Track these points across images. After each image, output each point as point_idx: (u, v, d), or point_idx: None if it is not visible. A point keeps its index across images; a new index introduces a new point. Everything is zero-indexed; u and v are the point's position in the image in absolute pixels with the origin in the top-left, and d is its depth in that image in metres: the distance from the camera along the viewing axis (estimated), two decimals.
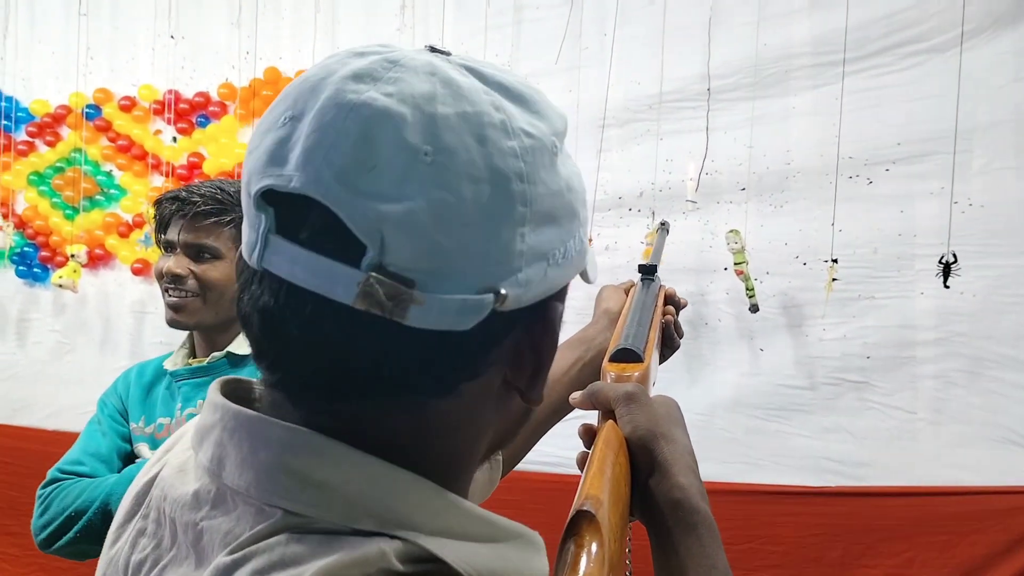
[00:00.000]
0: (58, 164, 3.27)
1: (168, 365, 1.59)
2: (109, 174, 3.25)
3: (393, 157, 0.44)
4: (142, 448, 1.54)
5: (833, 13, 2.49)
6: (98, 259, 3.21)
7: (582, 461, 0.68)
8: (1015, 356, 2.38)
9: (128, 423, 1.58)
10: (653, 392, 0.78)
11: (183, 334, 1.64)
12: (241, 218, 1.62)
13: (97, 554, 1.52)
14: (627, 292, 1.08)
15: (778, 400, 2.56)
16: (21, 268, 3.28)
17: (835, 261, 2.43)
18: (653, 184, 2.64)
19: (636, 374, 0.78)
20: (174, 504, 0.52)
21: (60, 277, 3.07)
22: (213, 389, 0.54)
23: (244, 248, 0.49)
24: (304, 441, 0.48)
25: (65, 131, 3.28)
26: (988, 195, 2.38)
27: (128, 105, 3.19)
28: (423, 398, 0.49)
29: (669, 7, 2.62)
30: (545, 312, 0.52)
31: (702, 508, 0.64)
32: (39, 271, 3.28)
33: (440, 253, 0.45)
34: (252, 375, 0.57)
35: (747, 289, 2.47)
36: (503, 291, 0.46)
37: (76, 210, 3.23)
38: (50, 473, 1.51)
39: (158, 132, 3.19)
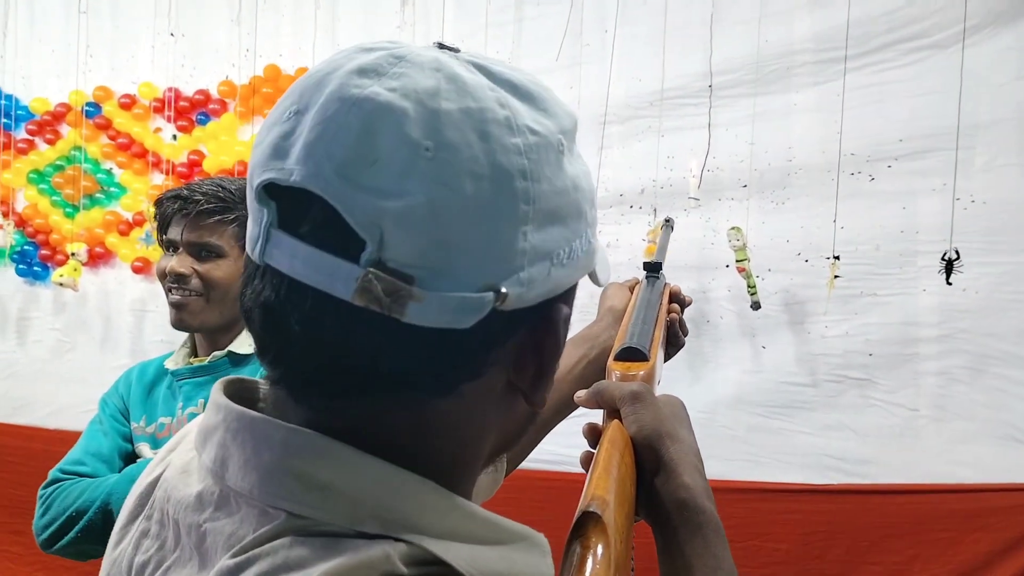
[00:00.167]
0: (58, 162, 3.26)
1: (169, 364, 1.59)
2: (109, 172, 3.24)
3: (394, 152, 0.44)
4: (143, 448, 1.54)
5: (835, 9, 2.48)
6: (98, 257, 3.21)
7: (586, 460, 0.68)
8: (1018, 353, 2.38)
9: (129, 423, 1.58)
10: (658, 391, 0.77)
11: (184, 332, 1.63)
12: (244, 216, 1.62)
13: (98, 554, 1.51)
14: (632, 290, 1.08)
15: (780, 397, 2.56)
16: (21, 266, 3.28)
17: (837, 258, 2.43)
18: (655, 181, 2.64)
19: (641, 373, 0.77)
20: (177, 505, 0.52)
21: (61, 275, 3.07)
22: (216, 389, 0.54)
23: (247, 242, 0.49)
24: (307, 442, 0.48)
25: (65, 129, 3.28)
26: (991, 192, 2.37)
27: (128, 103, 3.19)
28: (423, 397, 0.48)
29: (670, 4, 2.62)
30: (549, 313, 0.51)
31: (708, 508, 0.64)
32: (39, 269, 3.27)
33: (440, 250, 0.44)
34: (253, 374, 0.56)
35: (749, 286, 2.46)
36: (504, 290, 0.46)
37: (76, 208, 3.23)
38: (51, 473, 1.51)
39: (158, 130, 3.19)
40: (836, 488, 2.49)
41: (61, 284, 3.09)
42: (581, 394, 0.75)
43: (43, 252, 3.27)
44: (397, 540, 0.45)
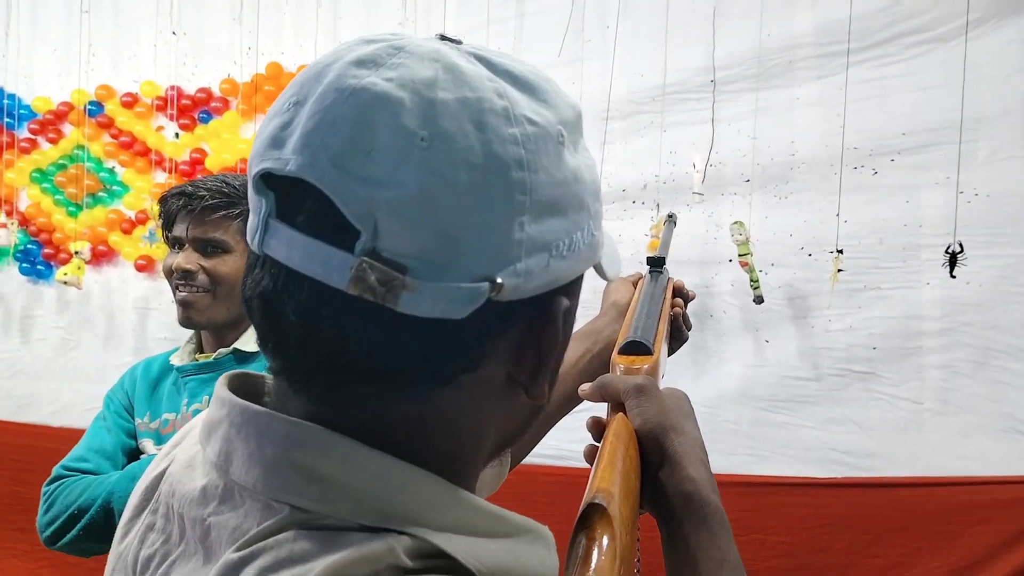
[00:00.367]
0: (61, 161, 3.27)
1: (175, 360, 1.59)
2: (112, 171, 3.24)
3: (389, 142, 0.44)
4: (147, 444, 1.54)
5: (836, 3, 2.47)
6: (101, 256, 3.21)
7: (590, 454, 0.68)
8: (1021, 346, 2.38)
9: (134, 419, 1.58)
10: (662, 384, 0.77)
11: (191, 330, 1.63)
12: (248, 211, 1.62)
13: (101, 551, 1.52)
14: (635, 285, 1.08)
15: (784, 392, 2.56)
16: (25, 265, 3.28)
17: (841, 252, 2.42)
18: (657, 176, 2.64)
19: (646, 367, 0.77)
20: (182, 499, 0.52)
21: (65, 274, 3.07)
22: (220, 384, 0.54)
23: (248, 233, 0.49)
24: (311, 436, 0.48)
25: (67, 128, 3.28)
26: (994, 185, 2.37)
27: (130, 102, 3.19)
28: (420, 389, 0.48)
29: None
30: (549, 306, 0.51)
31: (713, 501, 0.64)
32: (42, 268, 3.28)
33: (435, 239, 0.44)
34: (259, 371, 0.57)
35: (751, 281, 2.46)
36: (499, 280, 0.45)
37: (79, 207, 3.23)
38: (55, 470, 1.52)
39: (160, 128, 3.19)
40: (840, 482, 2.49)
41: (65, 283, 3.09)
42: (585, 388, 0.75)
43: (46, 251, 3.27)
44: (401, 533, 0.45)
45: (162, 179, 3.13)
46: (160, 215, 1.56)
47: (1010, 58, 2.36)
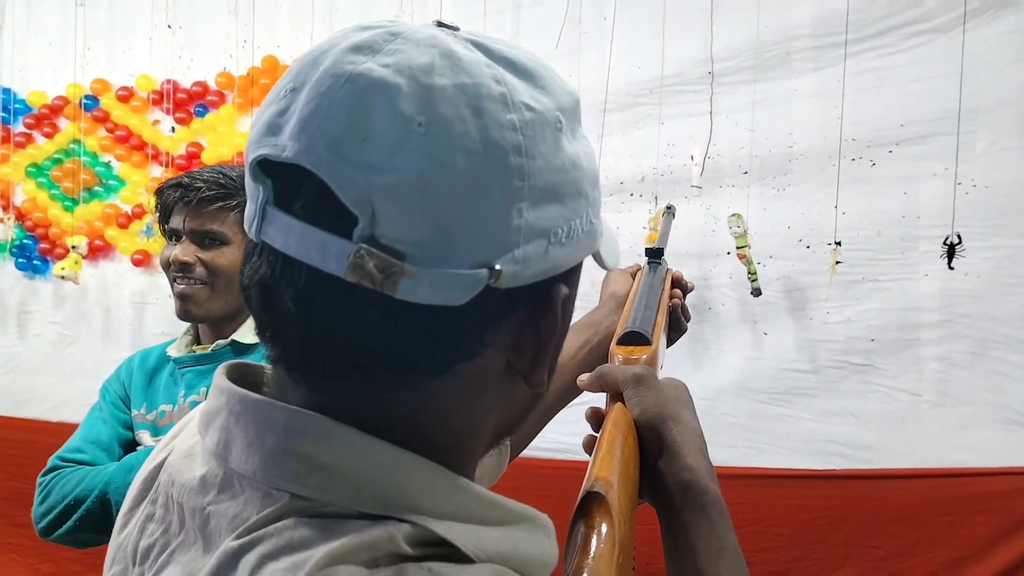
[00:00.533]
0: (56, 155, 3.26)
1: (172, 352, 1.58)
2: (108, 165, 3.24)
3: (386, 127, 0.44)
4: (144, 435, 1.54)
5: None
6: (98, 250, 3.20)
7: (589, 444, 0.68)
8: (1019, 337, 2.38)
9: (130, 410, 1.58)
10: (660, 376, 0.77)
11: (190, 323, 1.63)
12: (245, 201, 1.61)
13: (97, 543, 1.52)
14: (633, 276, 1.08)
15: (782, 384, 2.56)
16: (21, 260, 3.28)
17: (839, 244, 2.42)
18: (655, 169, 2.63)
19: (644, 357, 0.77)
20: (182, 489, 0.52)
21: (63, 269, 3.07)
22: (219, 373, 0.54)
23: (245, 221, 0.49)
24: (310, 424, 0.47)
25: (63, 122, 3.27)
26: (992, 176, 2.37)
27: (126, 95, 3.18)
28: (418, 376, 0.48)
29: None
30: (549, 293, 0.50)
31: (712, 489, 0.64)
32: (39, 263, 3.27)
33: (432, 226, 0.44)
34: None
35: (749, 273, 2.46)
36: (498, 267, 0.45)
37: (75, 201, 3.23)
38: (50, 461, 1.51)
39: (156, 122, 3.18)
40: (838, 473, 2.49)
41: (63, 277, 3.09)
42: (584, 378, 0.75)
43: (42, 246, 3.27)
44: (400, 521, 0.45)
45: (158, 173, 3.13)
46: (156, 207, 1.55)
47: (1008, 48, 2.36)
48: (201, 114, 3.12)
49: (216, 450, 0.50)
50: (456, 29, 0.50)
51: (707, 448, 0.67)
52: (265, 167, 0.46)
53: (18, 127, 3.31)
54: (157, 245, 3.02)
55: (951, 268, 2.36)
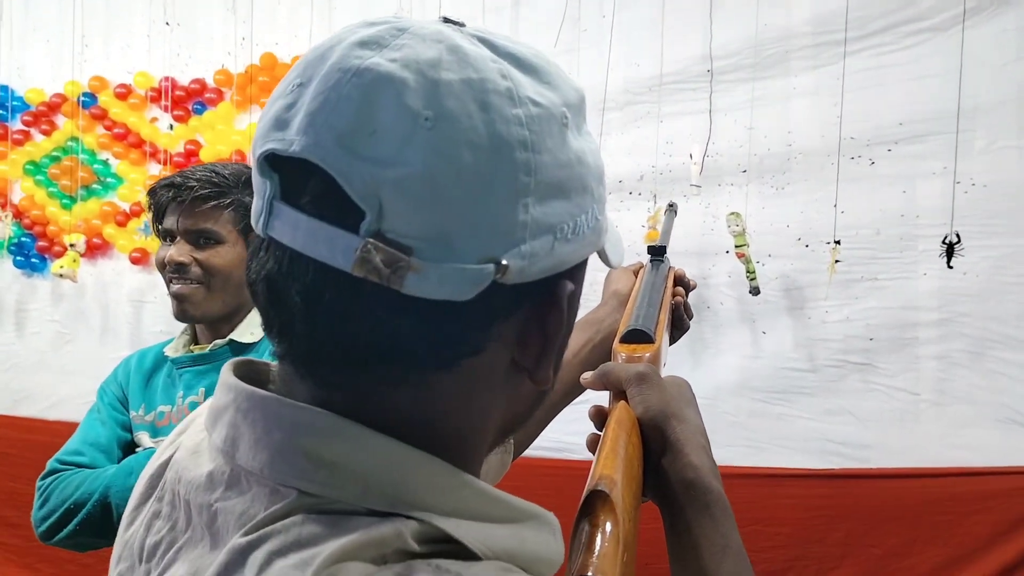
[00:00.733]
0: (54, 153, 3.25)
1: (169, 352, 1.57)
2: (106, 163, 3.23)
3: (394, 122, 0.44)
4: (142, 437, 1.53)
5: None
6: (96, 248, 3.20)
7: (593, 442, 0.68)
8: (1018, 336, 2.38)
9: (128, 411, 1.57)
10: (663, 373, 0.77)
11: (186, 324, 1.62)
12: (239, 200, 1.59)
13: (97, 546, 1.51)
14: (636, 274, 1.08)
15: (781, 383, 2.56)
16: (19, 258, 3.27)
17: (838, 243, 2.42)
18: (654, 167, 2.63)
19: (647, 355, 0.77)
20: (188, 486, 0.52)
21: (61, 267, 3.07)
22: (226, 370, 0.54)
23: (252, 216, 0.49)
24: (317, 421, 0.47)
25: (61, 120, 3.27)
26: (991, 175, 2.37)
27: (124, 93, 3.17)
28: (424, 371, 0.48)
29: None
30: (554, 289, 0.50)
31: (715, 487, 0.64)
32: (37, 261, 3.27)
33: (439, 220, 0.44)
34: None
35: (748, 272, 2.46)
36: (505, 262, 0.45)
37: (73, 199, 3.22)
38: (49, 464, 1.50)
39: (154, 120, 3.18)
40: (837, 472, 2.49)
41: (61, 275, 3.08)
42: (587, 376, 0.74)
43: (40, 243, 3.26)
44: (408, 518, 0.45)
45: (156, 171, 3.13)
46: (150, 207, 1.54)
47: (1007, 47, 2.36)
48: (199, 112, 3.11)
49: (223, 447, 0.50)
50: (462, 25, 0.50)
51: (710, 446, 0.67)
52: (272, 162, 0.46)
53: (16, 124, 3.30)
54: (155, 243, 3.01)
55: (950, 267, 2.36)
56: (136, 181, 3.17)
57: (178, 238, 1.49)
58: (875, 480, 2.46)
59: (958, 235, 2.34)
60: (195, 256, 1.48)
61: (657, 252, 1.05)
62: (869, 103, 2.45)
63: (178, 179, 1.49)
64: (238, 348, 1.53)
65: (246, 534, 0.45)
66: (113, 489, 1.40)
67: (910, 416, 2.46)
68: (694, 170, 2.52)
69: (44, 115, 3.27)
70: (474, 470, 0.53)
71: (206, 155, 3.04)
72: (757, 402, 2.57)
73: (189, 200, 1.47)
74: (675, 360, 2.67)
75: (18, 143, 3.28)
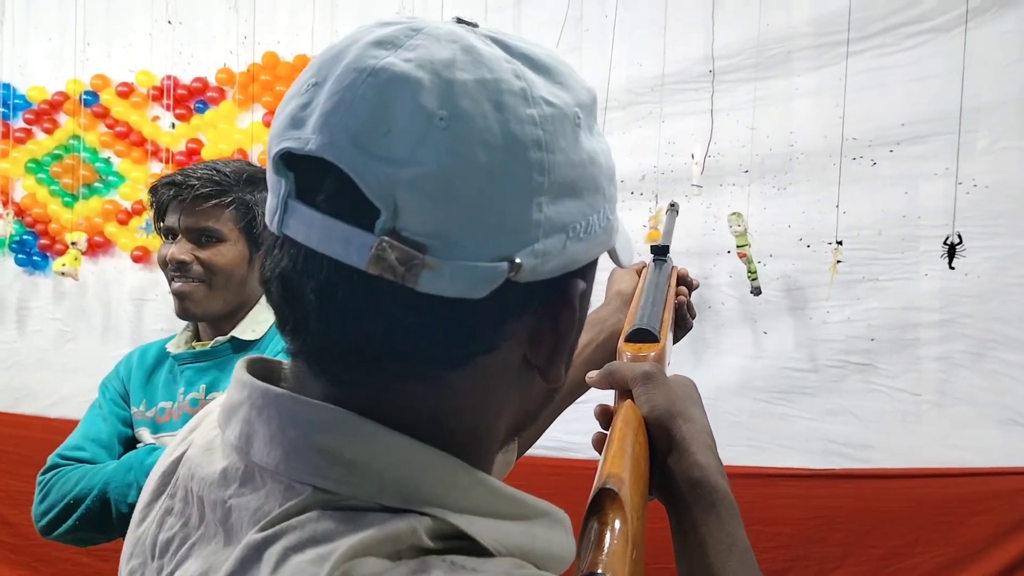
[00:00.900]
0: (56, 151, 3.25)
1: (171, 348, 1.58)
2: (107, 161, 3.23)
3: (408, 122, 0.44)
4: (143, 433, 1.53)
5: None
6: (97, 247, 3.20)
7: (599, 441, 0.68)
8: (1020, 337, 2.38)
9: (129, 407, 1.57)
10: (668, 372, 0.77)
11: (188, 322, 1.62)
12: (240, 198, 1.59)
13: (97, 541, 1.51)
14: (639, 273, 1.08)
15: (782, 383, 2.56)
16: (20, 256, 3.27)
17: (840, 243, 2.42)
18: (655, 167, 2.63)
19: (653, 354, 0.78)
20: (202, 482, 0.52)
21: (63, 265, 3.07)
22: (240, 367, 0.54)
23: (267, 214, 0.49)
24: (333, 418, 0.48)
25: (63, 118, 3.26)
26: (993, 175, 2.37)
27: (126, 91, 3.17)
28: (438, 369, 0.49)
29: None
30: (566, 288, 0.51)
31: (721, 486, 0.64)
32: (38, 259, 3.27)
33: (453, 219, 0.44)
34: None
35: (749, 272, 2.46)
36: (518, 260, 0.46)
37: (75, 197, 3.22)
38: (50, 459, 1.50)
39: (156, 118, 3.18)
40: (838, 473, 2.49)
41: (63, 274, 3.08)
42: (593, 375, 0.75)
43: (42, 242, 3.26)
44: (421, 514, 0.46)
45: (158, 169, 3.12)
46: (151, 205, 1.54)
47: (1009, 47, 2.36)
48: (201, 110, 3.11)
49: (237, 443, 0.51)
50: (475, 25, 0.51)
51: (716, 445, 0.67)
52: (288, 160, 0.47)
53: (18, 123, 3.30)
54: (157, 241, 3.01)
55: (951, 268, 2.36)
56: (138, 179, 3.17)
57: (179, 236, 1.50)
58: (876, 480, 2.47)
59: (960, 236, 2.34)
60: (196, 254, 1.48)
61: (660, 252, 1.05)
62: (871, 104, 2.45)
63: (179, 177, 1.49)
64: (240, 345, 1.53)
65: (261, 530, 0.45)
66: (112, 485, 1.40)
67: (911, 417, 2.46)
68: (696, 170, 2.52)
69: (46, 113, 3.27)
70: (486, 468, 0.53)
71: (208, 154, 3.04)
72: (758, 402, 2.58)
73: (190, 198, 1.47)
74: (677, 359, 2.66)
75: (20, 141, 3.28)
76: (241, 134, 3.05)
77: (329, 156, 0.44)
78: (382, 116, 0.44)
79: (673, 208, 1.32)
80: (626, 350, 0.79)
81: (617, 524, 0.53)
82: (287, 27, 3.03)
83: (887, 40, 2.46)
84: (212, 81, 3.10)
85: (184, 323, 1.63)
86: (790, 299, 2.56)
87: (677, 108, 2.63)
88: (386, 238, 0.43)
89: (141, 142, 3.17)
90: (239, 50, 3.05)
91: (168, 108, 3.13)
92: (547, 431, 1.02)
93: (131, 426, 1.56)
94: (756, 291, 2.47)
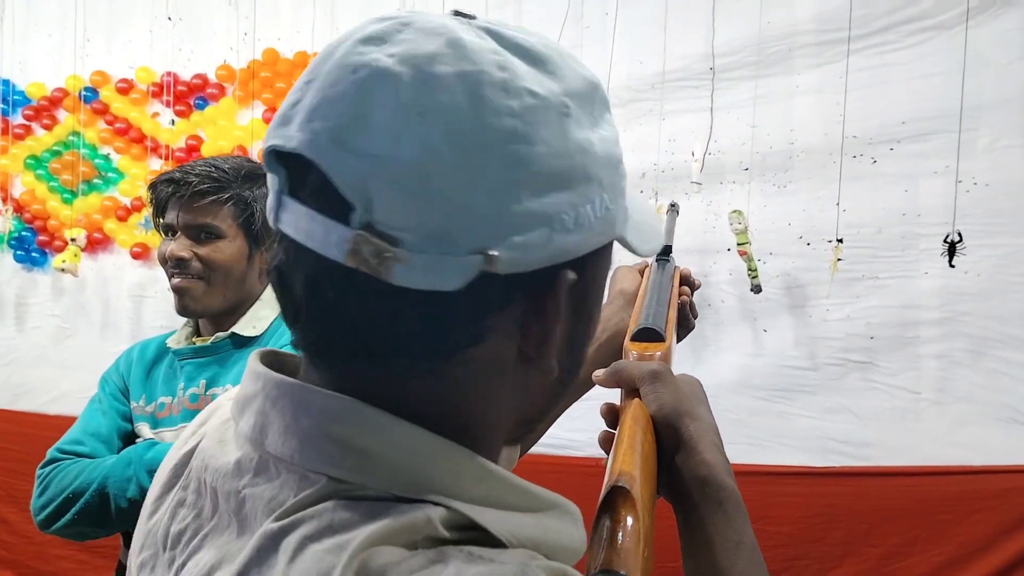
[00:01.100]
0: (55, 147, 3.25)
1: (171, 343, 1.58)
2: (107, 157, 3.23)
3: (385, 116, 0.45)
4: (143, 427, 1.53)
5: None
6: (97, 243, 3.19)
7: (606, 440, 0.68)
8: (1019, 335, 2.38)
9: (129, 402, 1.57)
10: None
11: (188, 318, 1.62)
12: (239, 194, 1.59)
13: (96, 536, 1.51)
14: (642, 273, 1.08)
15: (782, 381, 2.56)
16: (19, 252, 3.27)
17: (840, 241, 2.42)
18: (656, 165, 2.63)
19: (659, 353, 0.78)
20: (215, 473, 0.52)
21: (63, 261, 3.06)
22: (253, 359, 0.55)
23: (267, 210, 0.51)
24: (344, 408, 0.48)
25: (62, 114, 3.26)
26: (993, 174, 2.37)
27: (125, 88, 3.17)
28: (425, 361, 0.49)
29: None
30: (554, 280, 0.50)
31: (728, 484, 0.64)
32: (37, 255, 3.26)
33: (428, 212, 0.45)
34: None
35: (749, 270, 2.46)
36: (494, 253, 0.45)
37: (74, 194, 3.22)
38: (49, 452, 1.50)
39: (156, 115, 3.17)
40: (837, 471, 2.49)
41: (63, 270, 3.08)
42: (599, 373, 0.75)
43: (41, 238, 3.26)
44: (435, 505, 0.46)
45: (157, 166, 3.12)
46: (150, 202, 1.55)
47: (1010, 46, 2.36)
48: (201, 107, 3.11)
49: (252, 434, 0.51)
50: (472, 17, 0.51)
51: (722, 443, 0.68)
52: (279, 157, 0.48)
53: (17, 119, 3.29)
54: (156, 238, 2.99)
55: (952, 266, 2.36)
56: (137, 176, 3.16)
57: (179, 233, 1.50)
58: (876, 479, 2.47)
59: (960, 234, 2.34)
60: (196, 251, 1.49)
61: (663, 251, 1.06)
62: (872, 101, 2.46)
63: (178, 174, 1.50)
64: (240, 341, 1.53)
65: (277, 519, 0.46)
66: (111, 479, 1.40)
67: (911, 415, 2.46)
68: (695, 167, 2.52)
69: (45, 109, 3.26)
70: (492, 459, 0.53)
71: (207, 150, 3.04)
72: (758, 400, 2.58)
73: (189, 195, 1.48)
74: (676, 357, 2.66)
75: (19, 137, 3.28)
76: (241, 131, 3.04)
77: (307, 152, 0.45)
78: (360, 111, 0.45)
79: (674, 208, 1.32)
80: (632, 349, 0.79)
81: (630, 521, 0.53)
82: (288, 23, 3.02)
83: (888, 38, 2.46)
84: (212, 78, 3.10)
85: (183, 320, 1.63)
86: (790, 297, 2.56)
87: (678, 105, 2.63)
88: (361, 232, 0.44)
89: (141, 138, 3.17)
90: (239, 46, 3.05)
91: (168, 104, 3.12)
92: (549, 428, 1.02)
93: (131, 421, 1.56)
94: (756, 289, 2.47)
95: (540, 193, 0.47)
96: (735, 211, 2.47)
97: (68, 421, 1.59)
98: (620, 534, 0.53)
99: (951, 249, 2.34)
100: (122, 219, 3.18)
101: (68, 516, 1.42)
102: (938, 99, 2.39)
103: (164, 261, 1.51)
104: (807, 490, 2.51)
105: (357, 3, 2.93)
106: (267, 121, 2.97)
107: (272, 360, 0.56)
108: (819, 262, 2.49)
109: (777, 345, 2.57)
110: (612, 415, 0.71)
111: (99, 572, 2.86)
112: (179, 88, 3.11)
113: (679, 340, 1.04)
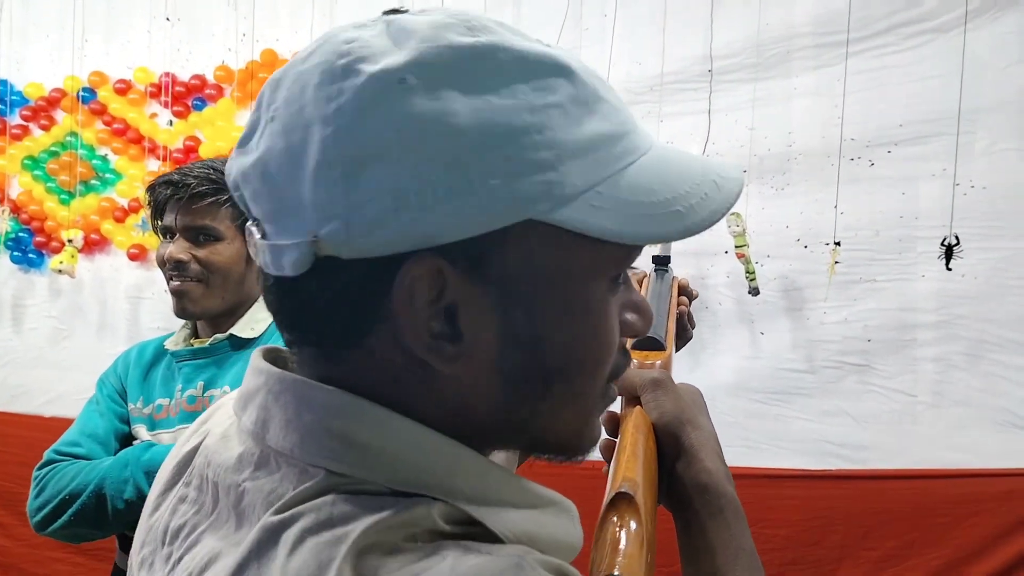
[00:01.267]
0: (53, 148, 3.24)
1: (169, 345, 1.58)
2: (104, 158, 3.22)
3: (257, 119, 0.49)
4: (140, 429, 1.53)
5: None
6: (94, 244, 3.19)
7: (607, 448, 0.68)
8: (1016, 339, 2.39)
9: (127, 404, 1.57)
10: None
11: (187, 320, 1.62)
12: None
13: (92, 538, 1.50)
14: (640, 283, 1.08)
15: (779, 384, 2.57)
16: (16, 253, 3.26)
17: (838, 244, 2.43)
18: None
19: (659, 362, 0.78)
20: (218, 469, 0.53)
21: (60, 262, 3.05)
22: (256, 356, 0.55)
23: None
24: (348, 404, 0.49)
25: (60, 115, 3.25)
26: (991, 177, 2.38)
27: (123, 88, 3.16)
28: (337, 352, 0.50)
29: None
30: (412, 265, 0.45)
31: (728, 491, 0.65)
32: (34, 256, 3.25)
33: (272, 202, 0.48)
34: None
35: (747, 272, 2.46)
36: (318, 235, 0.45)
37: (71, 195, 3.21)
38: (46, 454, 1.50)
39: (154, 115, 3.17)
40: (834, 474, 2.50)
41: (60, 271, 3.07)
42: None
43: (38, 239, 3.25)
44: (434, 499, 0.46)
45: (155, 167, 3.12)
46: (149, 204, 1.55)
47: (1009, 49, 2.37)
48: (199, 108, 3.11)
49: (254, 429, 0.52)
50: (400, 12, 0.51)
51: (722, 451, 0.68)
52: None
53: (15, 119, 3.28)
54: (153, 239, 3.01)
55: (949, 269, 2.37)
56: (135, 177, 3.16)
57: (177, 235, 1.50)
58: (873, 481, 2.47)
59: (957, 237, 2.35)
60: (194, 253, 1.49)
61: (662, 261, 1.07)
62: (870, 104, 2.46)
63: (176, 176, 1.50)
64: (238, 343, 1.53)
65: (276, 512, 0.46)
66: (108, 481, 1.40)
67: (908, 418, 2.47)
68: None
69: (43, 110, 3.25)
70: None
71: (206, 151, 3.03)
72: (755, 403, 2.58)
73: (187, 197, 1.47)
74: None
75: (16, 138, 3.27)
76: (239, 132, 3.02)
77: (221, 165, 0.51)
78: (251, 117, 0.51)
79: None
80: (633, 357, 0.79)
81: (633, 527, 0.54)
82: (286, 24, 3.02)
83: (887, 41, 2.47)
84: (210, 78, 3.10)
85: (181, 322, 1.63)
86: (787, 300, 2.56)
87: (676, 108, 2.63)
88: (249, 224, 0.50)
89: (138, 139, 3.16)
90: (238, 47, 3.04)
91: (166, 105, 3.12)
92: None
93: (128, 423, 1.56)
94: (754, 291, 2.47)
95: (370, 171, 0.44)
96: (733, 213, 2.47)
97: (65, 423, 1.59)
98: (624, 539, 0.53)
99: (948, 252, 2.35)
100: (119, 220, 3.17)
101: (64, 518, 1.41)
102: (936, 102, 2.40)
103: (163, 263, 1.51)
104: (804, 493, 2.51)
105: (355, 3, 2.93)
106: None
107: (275, 357, 0.56)
108: (817, 265, 2.50)
109: (774, 348, 2.58)
110: (612, 423, 0.71)
111: (95, 575, 2.86)
112: (177, 89, 3.11)
113: (677, 350, 1.04)
